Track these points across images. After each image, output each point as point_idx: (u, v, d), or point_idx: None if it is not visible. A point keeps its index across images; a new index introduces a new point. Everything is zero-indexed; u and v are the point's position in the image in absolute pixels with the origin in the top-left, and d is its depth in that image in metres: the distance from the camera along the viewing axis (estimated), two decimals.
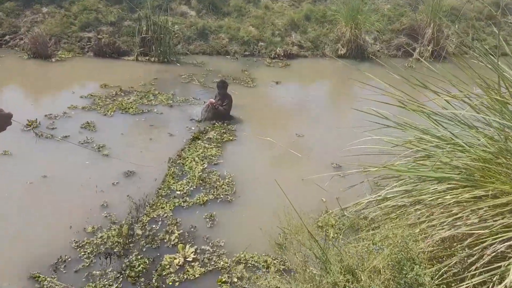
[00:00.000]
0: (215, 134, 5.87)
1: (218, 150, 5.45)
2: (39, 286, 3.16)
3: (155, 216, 4.04)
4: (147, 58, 8.85)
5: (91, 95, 6.75)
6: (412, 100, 2.92)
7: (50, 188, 4.40)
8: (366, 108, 3.18)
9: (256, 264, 3.53)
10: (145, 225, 3.89)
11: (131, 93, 7.03)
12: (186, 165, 5.02)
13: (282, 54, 9.67)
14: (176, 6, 10.28)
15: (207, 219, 4.11)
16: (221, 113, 6.25)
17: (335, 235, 3.27)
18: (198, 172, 4.85)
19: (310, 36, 10.30)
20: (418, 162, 2.57)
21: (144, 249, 3.62)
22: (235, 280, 3.36)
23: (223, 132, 5.96)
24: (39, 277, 3.20)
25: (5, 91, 7.19)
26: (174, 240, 3.74)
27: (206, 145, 5.54)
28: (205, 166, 5.04)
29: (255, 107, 7.17)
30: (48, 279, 3.17)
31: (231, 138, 5.83)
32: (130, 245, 3.62)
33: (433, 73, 3.11)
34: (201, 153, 5.33)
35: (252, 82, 8.07)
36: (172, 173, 4.82)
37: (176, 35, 9.49)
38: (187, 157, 5.20)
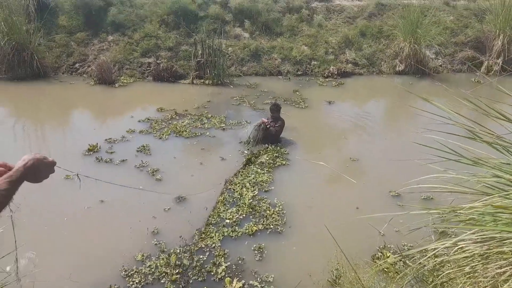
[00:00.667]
0: (267, 158, 5.76)
1: (270, 176, 5.32)
2: None
3: (203, 246, 3.99)
4: (202, 81, 9.07)
5: (148, 119, 7.01)
6: (484, 131, 2.57)
7: (105, 213, 4.55)
8: (428, 137, 2.87)
9: None
10: (193, 254, 3.85)
11: (185, 116, 7.19)
12: (237, 191, 4.96)
13: (336, 72, 9.42)
14: (230, 29, 10.50)
15: (256, 251, 3.96)
16: (271, 134, 6.16)
17: None
18: (248, 200, 4.75)
19: (366, 52, 9.95)
20: (495, 205, 2.21)
21: (191, 281, 3.56)
22: None
23: (275, 156, 5.84)
24: None
25: (73, 116, 7.72)
26: (221, 273, 3.64)
27: (258, 170, 5.44)
28: (256, 193, 4.93)
29: (307, 129, 6.98)
30: None
31: (284, 162, 5.68)
32: (177, 276, 3.58)
33: (505, 90, 2.73)
34: (253, 178, 5.24)
35: (304, 103, 7.91)
36: (223, 199, 4.77)
37: (229, 57, 9.66)
38: (238, 183, 5.14)
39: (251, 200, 4.75)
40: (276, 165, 5.62)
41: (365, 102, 8.48)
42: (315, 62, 9.76)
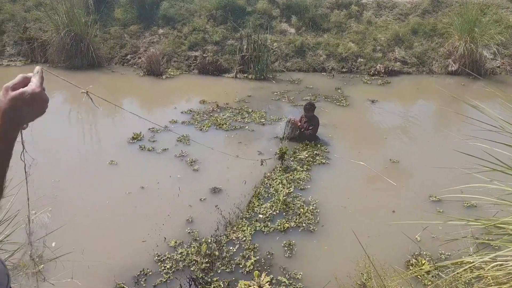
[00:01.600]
0: (307, 155, 5.72)
1: (308, 174, 5.27)
2: None
3: (234, 238, 4.05)
4: (245, 75, 9.14)
5: (190, 111, 7.20)
6: None
7: (145, 199, 4.75)
8: (473, 145, 2.70)
9: None
10: (223, 246, 3.92)
11: (226, 110, 7.31)
12: (273, 187, 4.97)
13: (383, 70, 9.09)
14: (276, 24, 10.46)
15: (286, 248, 3.97)
16: (306, 137, 6.12)
17: None
18: (283, 196, 4.75)
19: (416, 51, 9.50)
20: None
21: (219, 271, 3.64)
22: None
23: (315, 154, 5.77)
24: (123, 287, 3.43)
25: (121, 105, 8.10)
26: (249, 266, 3.68)
27: (298, 167, 5.41)
28: (291, 190, 4.92)
29: (347, 127, 6.83)
30: None
31: (323, 161, 5.60)
32: (207, 265, 3.67)
33: None
34: (290, 175, 5.23)
35: (345, 101, 7.73)
36: (258, 194, 4.80)
37: (274, 52, 9.65)
38: (276, 178, 5.15)
39: (286, 197, 4.75)
40: (315, 163, 5.56)
41: (411, 102, 8.12)
42: (362, 60, 9.48)
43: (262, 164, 5.40)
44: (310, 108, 6.20)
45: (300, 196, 4.80)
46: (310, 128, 6.11)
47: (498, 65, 9.18)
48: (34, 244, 2.71)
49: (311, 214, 4.46)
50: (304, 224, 4.30)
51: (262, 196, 4.77)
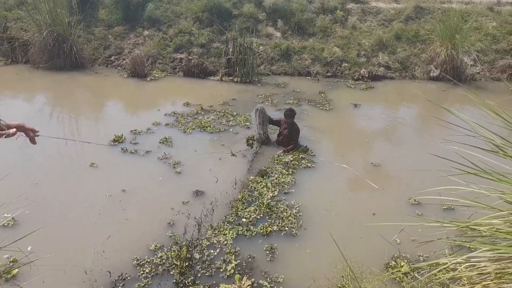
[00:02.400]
0: (292, 159, 5.72)
1: (293, 177, 5.26)
2: None
3: (215, 242, 4.02)
4: (230, 78, 9.14)
5: (174, 113, 7.15)
6: (509, 145, 2.43)
7: (125, 202, 4.67)
8: (450, 149, 2.75)
9: None
10: (204, 249, 3.89)
11: (210, 112, 7.28)
12: (257, 190, 4.95)
13: (367, 75, 9.21)
14: (262, 28, 10.51)
15: (268, 252, 3.95)
16: (288, 150, 5.99)
17: None
18: (267, 200, 4.74)
19: (399, 56, 9.66)
20: None
21: (199, 275, 3.60)
22: None
23: (301, 157, 5.78)
24: None
25: (104, 107, 8.00)
26: (230, 270, 3.65)
27: (283, 171, 5.41)
28: (275, 193, 4.91)
29: (330, 131, 6.89)
30: None
31: (309, 165, 5.61)
32: (187, 268, 3.63)
33: None
34: (275, 179, 5.22)
35: (328, 105, 7.78)
36: (242, 198, 4.78)
37: (260, 56, 9.67)
38: (261, 182, 5.13)
39: (270, 201, 4.74)
40: (301, 166, 5.56)
41: (393, 107, 8.24)
42: (346, 64, 9.58)
43: (232, 155, 5.72)
44: (290, 114, 6.02)
45: (284, 200, 4.80)
46: (291, 144, 6.01)
47: (478, 71, 9.40)
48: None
49: (294, 218, 4.46)
50: (286, 228, 4.30)
51: (246, 200, 4.75)
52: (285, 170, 5.42)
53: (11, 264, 3.58)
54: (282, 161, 5.68)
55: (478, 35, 9.44)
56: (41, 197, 4.64)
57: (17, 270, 3.49)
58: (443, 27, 9.15)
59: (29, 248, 3.65)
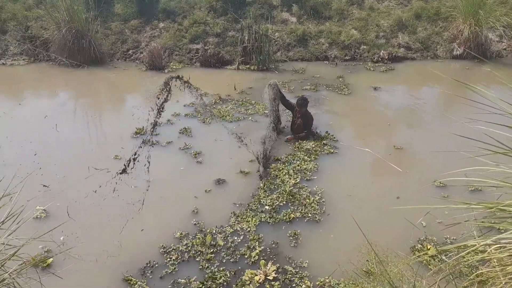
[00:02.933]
0: (313, 146, 5.68)
1: (315, 164, 5.22)
2: None
3: (238, 229, 4.07)
4: (247, 66, 9.10)
5: (193, 104, 7.20)
6: None
7: (151, 192, 4.77)
8: (476, 129, 2.67)
9: None
10: (227, 236, 3.95)
11: (228, 102, 7.29)
12: (279, 178, 4.96)
13: (386, 57, 8.99)
14: (277, 14, 10.37)
15: (291, 238, 3.98)
16: (300, 137, 5.90)
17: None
18: (289, 187, 4.74)
19: (420, 36, 9.37)
20: None
21: (224, 261, 3.67)
22: None
23: (323, 143, 5.73)
24: (131, 280, 3.48)
25: (125, 100, 8.13)
26: (254, 256, 3.70)
27: (305, 158, 5.38)
28: (298, 180, 4.90)
29: (350, 115, 6.80)
30: (138, 283, 3.42)
31: (332, 150, 5.55)
32: (212, 255, 3.70)
33: None
34: (297, 165, 5.21)
35: (347, 89, 7.66)
36: (264, 186, 4.80)
37: (275, 42, 9.58)
38: (282, 169, 5.13)
39: (292, 188, 4.74)
40: (323, 152, 5.52)
41: (415, 88, 8.02)
42: (365, 47, 9.38)
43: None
44: (302, 103, 5.84)
45: (306, 186, 4.79)
46: (304, 132, 5.91)
47: (504, 47, 9.03)
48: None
49: (317, 205, 4.45)
50: (310, 214, 4.30)
51: (268, 188, 4.77)
52: (307, 157, 5.39)
53: (46, 254, 3.73)
54: (304, 147, 5.63)
55: (503, 9, 9.02)
56: (68, 190, 4.79)
57: (51, 259, 3.64)
58: (465, 3, 8.79)
59: (61, 239, 3.79)
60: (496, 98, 2.45)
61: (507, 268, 2.11)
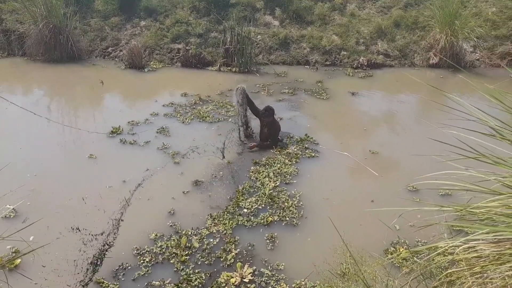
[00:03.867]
0: (295, 149, 5.70)
1: (296, 167, 5.24)
2: None
3: (214, 231, 4.04)
4: (229, 68, 9.08)
5: (172, 104, 7.13)
6: (507, 129, 2.43)
7: (126, 193, 4.68)
8: (448, 134, 2.75)
9: None
10: (203, 238, 3.91)
11: (209, 102, 7.25)
12: (259, 180, 4.95)
13: (366, 63, 9.15)
14: (260, 17, 10.41)
15: (268, 241, 3.98)
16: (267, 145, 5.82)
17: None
18: (269, 190, 4.74)
19: (398, 44, 9.59)
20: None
21: (199, 263, 3.63)
22: None
23: (305, 147, 5.75)
24: (103, 282, 3.39)
25: (102, 99, 7.96)
26: (230, 259, 3.68)
27: (286, 161, 5.38)
28: (278, 183, 4.91)
29: (327, 120, 6.87)
30: (111, 285, 3.34)
31: (313, 154, 5.59)
32: (186, 257, 3.66)
33: None
34: (278, 168, 5.21)
35: (326, 94, 7.75)
36: (243, 188, 4.78)
37: (258, 45, 9.61)
38: (262, 172, 5.13)
39: (271, 191, 4.73)
40: (304, 156, 5.54)
41: (391, 94, 8.19)
42: (345, 53, 9.52)
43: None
44: (266, 114, 5.66)
45: (286, 190, 4.79)
46: (269, 141, 5.83)
47: (478, 58, 9.35)
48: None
49: (295, 208, 4.46)
50: (287, 218, 4.31)
51: (247, 191, 4.75)
52: (288, 160, 5.40)
53: (14, 254, 3.60)
54: (285, 151, 5.63)
55: (477, 21, 9.35)
56: (41, 189, 4.65)
57: (20, 260, 3.52)
58: (442, 13, 9.06)
59: (31, 238, 3.67)
60: (469, 105, 2.53)
61: (474, 269, 2.17)
